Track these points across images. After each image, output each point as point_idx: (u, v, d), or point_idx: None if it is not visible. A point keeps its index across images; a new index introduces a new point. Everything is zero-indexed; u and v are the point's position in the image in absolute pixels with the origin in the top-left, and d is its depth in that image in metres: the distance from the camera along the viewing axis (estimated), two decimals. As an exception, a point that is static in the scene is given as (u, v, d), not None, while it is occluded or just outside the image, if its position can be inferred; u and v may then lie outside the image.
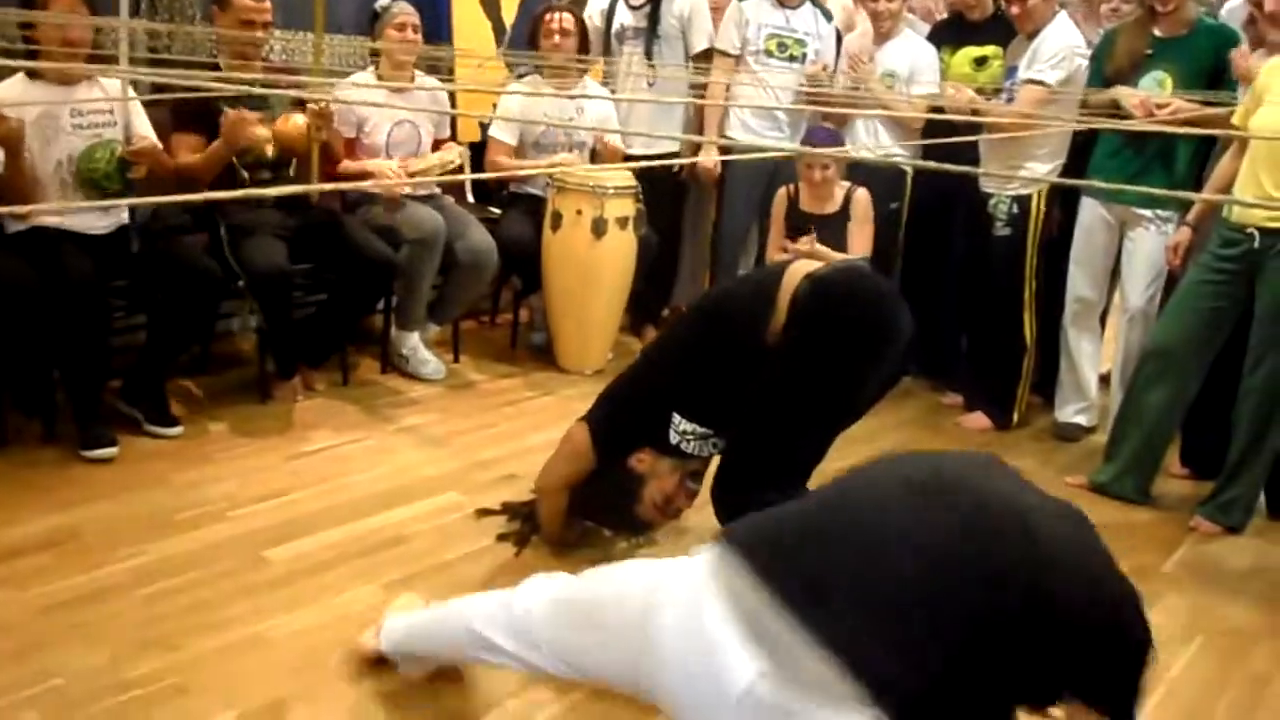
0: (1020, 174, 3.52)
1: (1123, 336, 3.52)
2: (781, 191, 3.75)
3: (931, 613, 1.26)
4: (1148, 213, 3.37)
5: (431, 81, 3.89)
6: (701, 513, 2.41)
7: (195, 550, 2.45)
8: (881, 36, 3.91)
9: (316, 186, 3.25)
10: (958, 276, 3.92)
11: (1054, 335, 3.68)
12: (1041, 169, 3.52)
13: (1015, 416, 3.74)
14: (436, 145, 3.92)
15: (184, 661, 2.03)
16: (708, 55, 4.17)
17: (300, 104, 3.38)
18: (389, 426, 3.32)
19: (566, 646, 1.62)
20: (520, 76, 4.23)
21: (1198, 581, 2.76)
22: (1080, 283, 3.58)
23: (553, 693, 2.02)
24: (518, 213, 4.05)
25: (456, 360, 3.98)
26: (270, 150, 3.34)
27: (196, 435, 3.09)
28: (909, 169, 3.87)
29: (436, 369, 3.79)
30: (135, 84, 3.19)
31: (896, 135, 3.89)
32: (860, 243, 3.61)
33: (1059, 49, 3.41)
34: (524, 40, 4.16)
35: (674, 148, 4.33)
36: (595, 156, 4.14)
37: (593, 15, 4.23)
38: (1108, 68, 3.40)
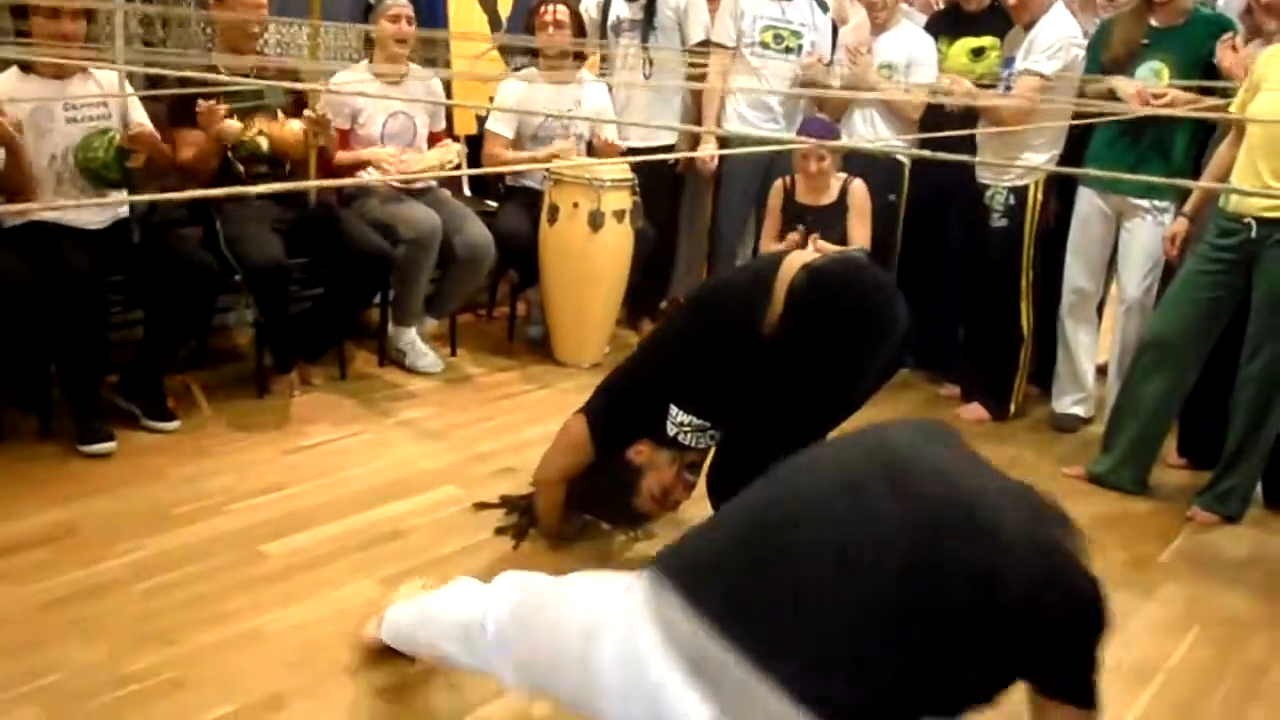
0: (1017, 166, 3.51)
1: (1120, 327, 3.52)
2: (778, 183, 3.75)
3: (880, 629, 1.23)
4: (1144, 203, 3.37)
5: (425, 72, 3.87)
6: (699, 505, 2.41)
7: (193, 545, 2.45)
8: (878, 28, 3.90)
9: (313, 184, 3.24)
10: (955, 268, 3.91)
11: (1051, 326, 3.68)
12: (1038, 160, 3.52)
13: (1012, 407, 3.74)
14: (433, 140, 3.92)
15: (182, 656, 2.03)
16: (704, 46, 4.16)
17: (298, 109, 3.37)
18: (386, 420, 3.32)
19: (524, 669, 1.61)
20: (517, 70, 4.22)
21: (1195, 571, 2.76)
22: (1077, 273, 3.58)
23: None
24: (514, 206, 4.05)
25: (454, 354, 3.98)
26: (265, 145, 3.33)
27: (194, 430, 3.09)
28: (906, 161, 3.87)
29: (434, 363, 3.79)
30: (129, 79, 3.17)
31: (894, 127, 3.88)
32: (859, 234, 3.60)
33: (1056, 39, 3.40)
34: (520, 33, 4.14)
35: (671, 140, 4.33)
36: (591, 150, 4.13)
37: (589, 7, 4.22)
38: (1104, 58, 3.39)
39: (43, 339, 2.84)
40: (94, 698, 1.90)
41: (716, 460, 2.36)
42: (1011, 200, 3.57)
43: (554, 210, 3.80)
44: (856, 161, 3.72)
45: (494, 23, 4.54)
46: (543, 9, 3.94)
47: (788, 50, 4.07)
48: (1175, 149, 3.31)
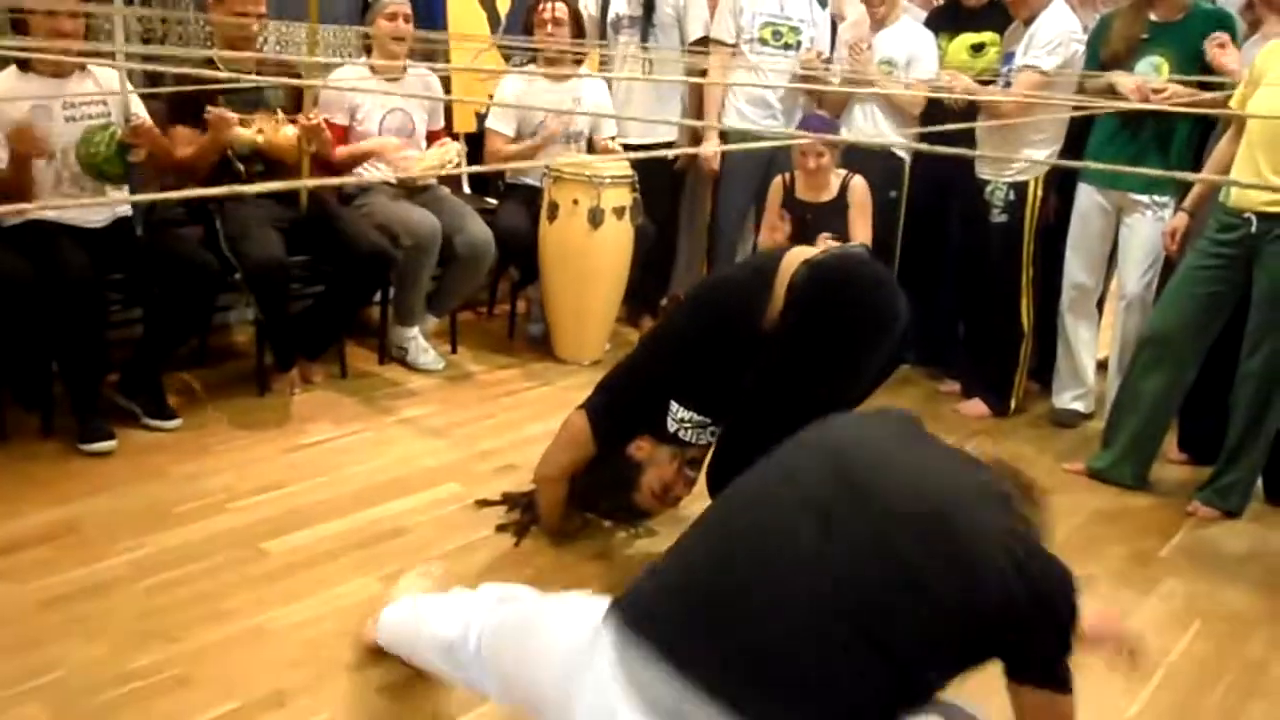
0: (1017, 160, 3.51)
1: (1120, 322, 3.51)
2: (777, 180, 3.74)
3: (858, 661, 1.25)
4: (1144, 198, 3.37)
5: (422, 69, 3.87)
6: (700, 501, 2.41)
7: (194, 543, 2.45)
8: (877, 24, 3.90)
9: (313, 182, 3.23)
10: (955, 264, 3.91)
11: (1051, 322, 3.68)
12: (1038, 156, 3.51)
13: (1013, 403, 3.74)
14: (431, 139, 3.91)
15: (184, 653, 2.04)
16: (703, 43, 4.16)
17: (297, 108, 3.37)
18: (387, 418, 3.32)
19: (506, 691, 1.62)
20: (516, 66, 4.22)
21: (1195, 566, 2.76)
22: (1077, 269, 3.58)
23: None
24: (514, 203, 4.05)
25: (454, 351, 3.98)
26: (261, 140, 3.32)
27: (194, 428, 3.09)
28: (906, 158, 3.87)
29: (434, 360, 3.79)
30: (129, 77, 3.17)
31: (895, 123, 3.88)
32: (860, 231, 3.60)
33: (1055, 35, 3.40)
34: (519, 31, 4.14)
35: (671, 137, 4.33)
36: (591, 149, 4.13)
37: (588, 4, 4.21)
38: (1104, 53, 3.39)
39: (43, 337, 2.84)
40: (96, 695, 1.90)
41: (716, 456, 2.36)
42: (1011, 196, 3.57)
43: (554, 207, 3.80)
44: (857, 158, 3.71)
45: (493, 20, 4.54)
46: (542, 6, 3.93)
47: (786, 46, 4.06)
48: (1175, 144, 3.31)
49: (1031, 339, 3.69)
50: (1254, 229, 2.85)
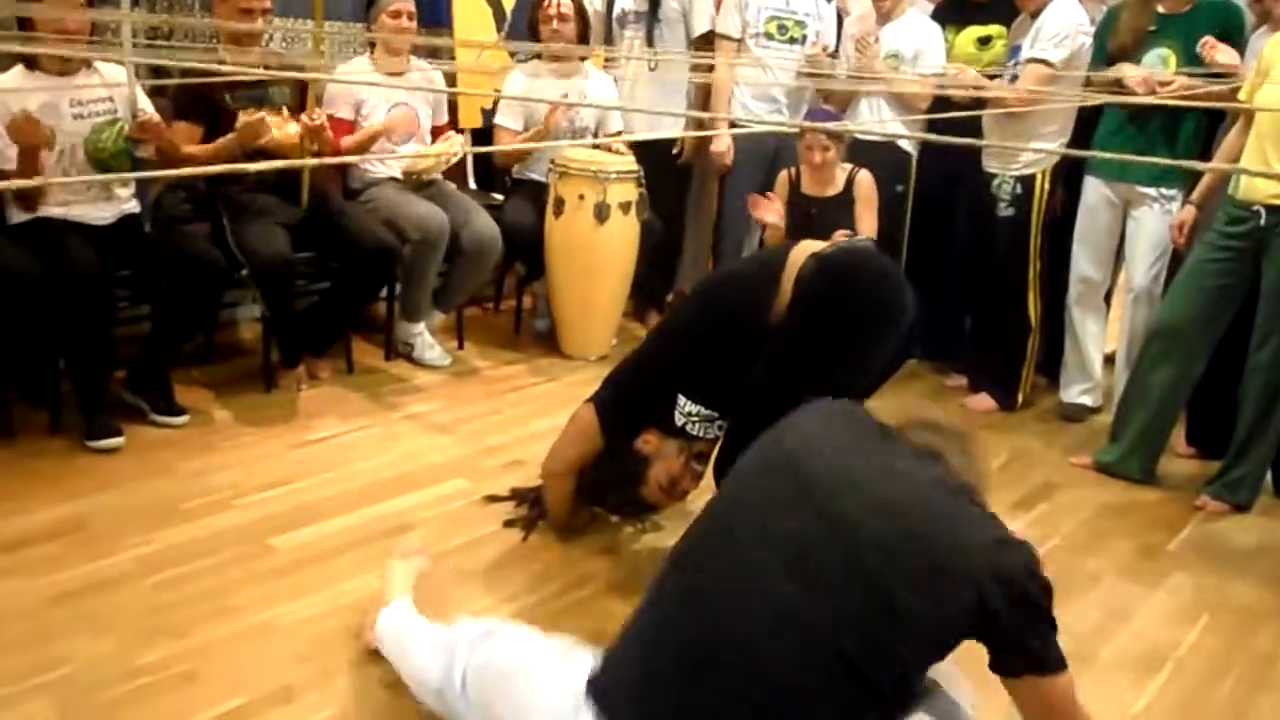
0: (1025, 150, 3.50)
1: (1128, 316, 3.50)
2: (783, 174, 3.73)
3: (839, 690, 1.27)
4: (1151, 191, 3.35)
5: (427, 65, 3.86)
6: (706, 495, 2.40)
7: (202, 539, 2.46)
8: (883, 17, 3.89)
9: (316, 161, 3.21)
10: (962, 258, 3.90)
11: (1059, 316, 3.67)
12: (1047, 148, 3.50)
13: (1020, 397, 3.73)
14: (435, 134, 3.91)
15: (192, 649, 2.04)
16: (708, 38, 4.15)
17: (302, 105, 3.36)
18: (394, 414, 3.32)
19: None
20: (522, 62, 4.21)
21: (1204, 560, 2.75)
22: (1084, 262, 3.57)
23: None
24: (520, 199, 4.05)
25: (461, 347, 3.98)
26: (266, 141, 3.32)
27: (202, 424, 3.10)
28: (913, 152, 3.86)
29: (441, 356, 3.79)
30: (136, 72, 3.17)
31: (902, 116, 3.86)
32: (866, 225, 3.59)
33: (1062, 27, 3.39)
34: (525, 27, 4.14)
35: (676, 132, 4.32)
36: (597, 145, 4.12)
37: (594, 0, 4.21)
38: (1111, 45, 3.38)
39: (51, 334, 2.84)
40: (104, 690, 1.90)
41: (724, 450, 2.35)
42: (1018, 189, 3.56)
43: (560, 203, 3.80)
44: (863, 152, 3.70)
45: (499, 16, 4.53)
46: (546, 2, 3.92)
47: (792, 40, 4.05)
48: (1182, 136, 3.29)
49: (1039, 333, 3.68)
50: (1263, 221, 2.84)
